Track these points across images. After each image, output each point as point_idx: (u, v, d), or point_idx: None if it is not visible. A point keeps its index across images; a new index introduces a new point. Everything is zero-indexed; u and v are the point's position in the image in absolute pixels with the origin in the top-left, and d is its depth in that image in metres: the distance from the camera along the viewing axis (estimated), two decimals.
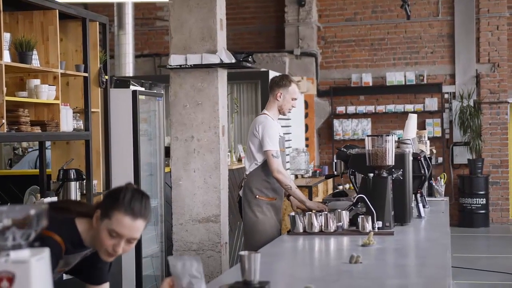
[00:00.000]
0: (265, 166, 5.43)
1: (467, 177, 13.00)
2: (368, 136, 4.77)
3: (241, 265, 2.93)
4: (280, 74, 6.31)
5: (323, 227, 4.54)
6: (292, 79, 5.65)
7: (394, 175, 4.81)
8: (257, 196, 5.49)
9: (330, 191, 10.77)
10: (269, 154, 5.37)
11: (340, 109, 13.58)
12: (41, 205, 1.93)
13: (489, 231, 12.69)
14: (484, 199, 12.88)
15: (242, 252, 2.93)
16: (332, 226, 4.53)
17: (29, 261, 1.87)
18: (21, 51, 5.18)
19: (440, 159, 13.17)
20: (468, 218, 12.89)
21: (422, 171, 5.36)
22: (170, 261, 2.58)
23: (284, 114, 5.65)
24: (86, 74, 5.98)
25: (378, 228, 4.55)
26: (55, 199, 5.63)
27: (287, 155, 10.29)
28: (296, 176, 10.76)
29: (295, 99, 5.59)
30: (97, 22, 6.29)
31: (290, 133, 11.00)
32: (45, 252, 1.92)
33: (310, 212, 4.65)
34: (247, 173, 5.58)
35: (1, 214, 1.88)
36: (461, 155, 13.22)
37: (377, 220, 4.58)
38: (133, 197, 2.78)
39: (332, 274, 3.41)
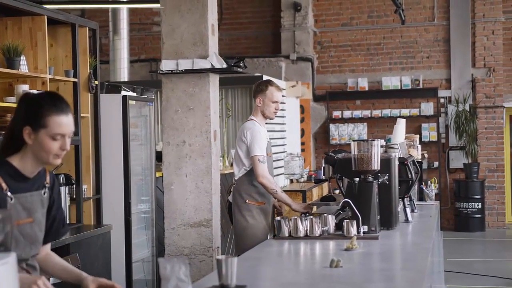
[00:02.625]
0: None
1: (463, 182, 13.00)
2: (354, 140, 4.77)
3: (218, 269, 2.95)
4: (261, 80, 6.30)
5: (308, 232, 4.55)
6: (271, 82, 5.66)
7: (380, 180, 4.81)
8: (247, 201, 5.52)
9: None
10: (255, 159, 5.40)
11: (336, 113, 13.59)
12: (4, 210, 1.94)
13: (485, 236, 12.68)
14: (480, 203, 12.88)
15: (219, 257, 2.96)
16: (318, 231, 4.53)
17: None
18: (8, 57, 5.20)
19: (436, 164, 13.17)
20: (464, 222, 12.90)
21: (409, 176, 5.35)
22: (160, 263, 2.62)
23: (270, 118, 5.66)
24: (75, 80, 6.00)
25: (364, 233, 4.55)
26: None
27: (280, 159, 10.32)
28: (291, 181, 10.76)
29: (276, 102, 5.60)
30: (87, 28, 6.31)
31: (285, 138, 11.01)
32: (11, 257, 1.93)
33: (295, 217, 4.66)
34: (236, 178, 5.61)
35: None
36: (457, 160, 13.22)
37: (362, 225, 4.57)
38: (53, 99, 2.91)
39: (311, 278, 3.43)
